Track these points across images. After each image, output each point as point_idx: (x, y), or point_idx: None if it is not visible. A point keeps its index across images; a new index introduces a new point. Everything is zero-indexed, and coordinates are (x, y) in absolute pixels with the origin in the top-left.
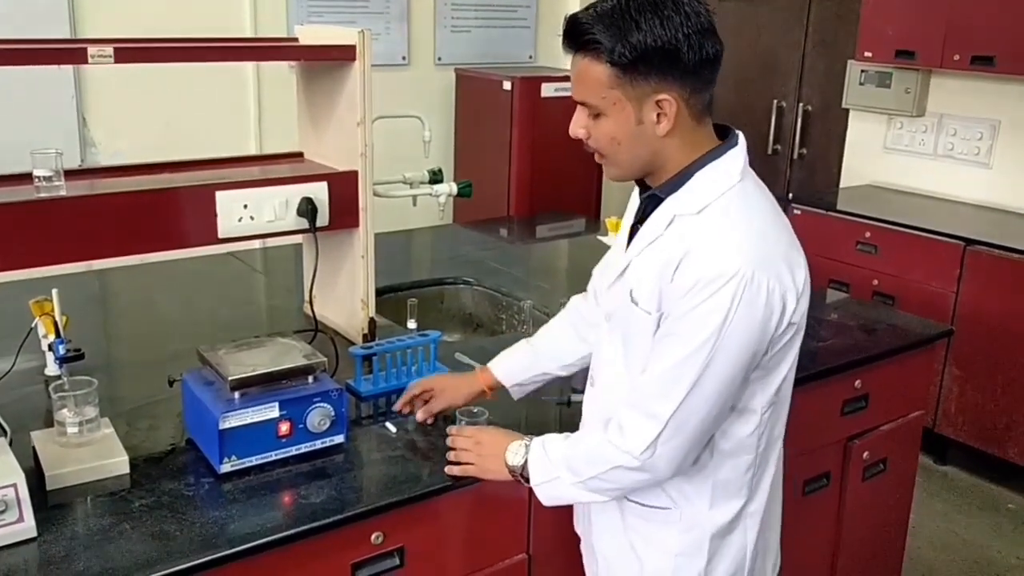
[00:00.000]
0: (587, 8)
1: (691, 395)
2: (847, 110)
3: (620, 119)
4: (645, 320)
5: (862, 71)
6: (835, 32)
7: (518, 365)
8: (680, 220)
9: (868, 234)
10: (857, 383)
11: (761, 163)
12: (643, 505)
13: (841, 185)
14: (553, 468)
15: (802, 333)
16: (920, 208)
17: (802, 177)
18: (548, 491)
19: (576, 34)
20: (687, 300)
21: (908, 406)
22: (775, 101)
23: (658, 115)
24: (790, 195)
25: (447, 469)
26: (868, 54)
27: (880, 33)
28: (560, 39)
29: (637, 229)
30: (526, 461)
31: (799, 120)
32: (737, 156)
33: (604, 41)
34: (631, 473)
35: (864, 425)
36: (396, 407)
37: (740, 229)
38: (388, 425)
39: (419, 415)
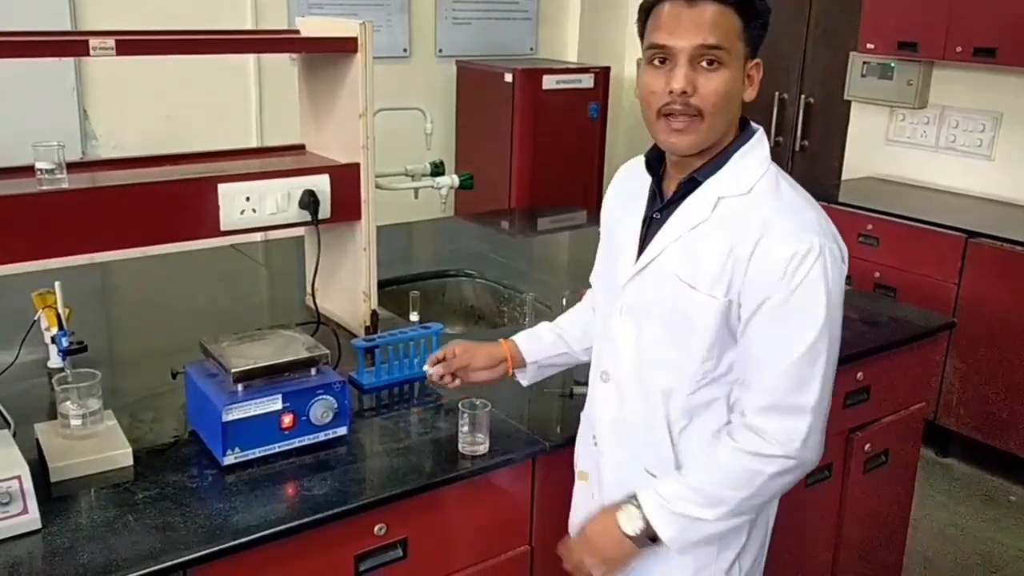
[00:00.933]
0: None
1: (826, 374)
2: (849, 102)
3: (736, 74)
4: (707, 303)
5: (864, 63)
6: (837, 24)
7: (542, 343)
8: (726, 202)
9: (870, 226)
10: (859, 375)
11: None
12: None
13: (843, 177)
14: (686, 514)
15: None
16: (922, 200)
17: (804, 169)
18: (687, 538)
19: None
20: (786, 282)
21: (910, 398)
22: (777, 93)
23: (748, 79)
24: None
25: None
26: (870, 46)
27: (882, 25)
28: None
29: (657, 219)
30: (646, 523)
31: (801, 112)
32: (762, 141)
33: None
34: (786, 476)
35: (866, 417)
36: (427, 367)
37: (801, 206)
38: (427, 369)
39: (436, 369)
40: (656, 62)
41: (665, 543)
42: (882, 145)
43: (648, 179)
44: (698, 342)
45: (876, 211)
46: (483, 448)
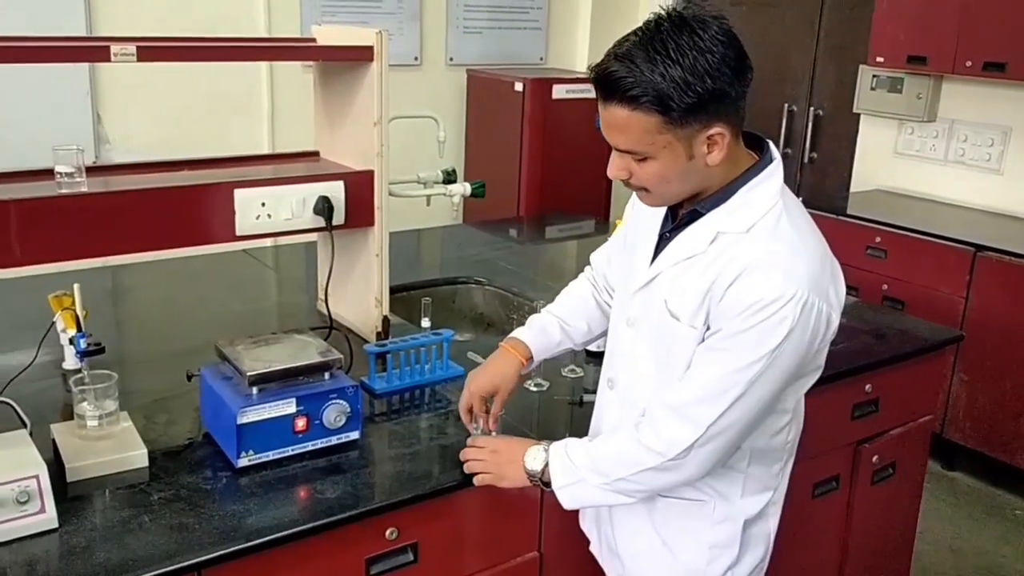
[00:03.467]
0: (615, 55)
1: (734, 407)
2: (858, 114)
3: (670, 160)
4: (688, 334)
5: (873, 76)
6: (846, 37)
7: (551, 341)
8: (724, 238)
9: (878, 239)
10: (867, 387)
11: None
12: (678, 499)
13: (851, 190)
14: (577, 471)
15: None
16: (930, 213)
17: (812, 181)
18: (571, 493)
19: (614, 88)
20: (742, 319)
21: (917, 411)
22: (786, 105)
23: (708, 147)
24: (800, 199)
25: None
26: (880, 59)
27: (892, 38)
28: (591, 78)
29: (666, 237)
30: (546, 465)
31: (810, 124)
32: (776, 173)
33: (649, 92)
34: (661, 475)
35: (874, 429)
36: (466, 422)
37: (794, 252)
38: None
39: (489, 424)
40: None
41: (554, 490)
42: (891, 158)
43: None
44: (677, 368)
45: (884, 224)
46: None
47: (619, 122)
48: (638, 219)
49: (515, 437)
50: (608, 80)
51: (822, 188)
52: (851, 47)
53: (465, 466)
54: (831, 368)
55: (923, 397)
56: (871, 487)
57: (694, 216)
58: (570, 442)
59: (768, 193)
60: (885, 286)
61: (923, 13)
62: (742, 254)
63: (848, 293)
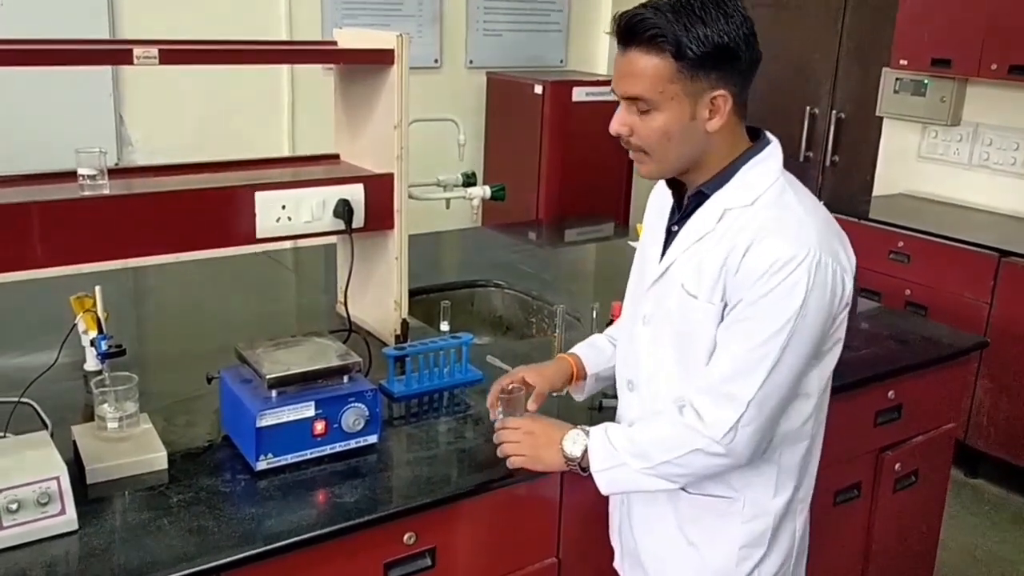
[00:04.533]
0: (643, 4)
1: (771, 376)
2: (881, 118)
3: (675, 114)
4: (706, 311)
5: (897, 79)
6: (869, 39)
7: (602, 356)
8: (731, 213)
9: (901, 243)
10: (890, 394)
11: (793, 170)
12: (705, 495)
13: (874, 193)
14: (618, 454)
15: (846, 315)
16: (954, 218)
17: (834, 185)
18: (611, 477)
19: (636, 28)
20: (762, 284)
21: (940, 418)
22: (808, 108)
23: (711, 111)
24: (822, 202)
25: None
26: (903, 62)
27: (916, 41)
28: (613, 33)
29: (674, 231)
30: (586, 449)
31: (832, 127)
32: (776, 153)
33: (668, 34)
34: (711, 458)
35: (896, 436)
36: (491, 402)
37: (800, 214)
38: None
39: (532, 406)
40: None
41: (593, 473)
42: (914, 162)
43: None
44: (701, 352)
45: (908, 228)
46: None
47: (635, 67)
48: (648, 223)
49: (551, 419)
50: (632, 22)
51: (844, 192)
52: (874, 50)
53: (499, 449)
54: (854, 374)
55: (947, 404)
56: (893, 495)
57: (699, 200)
58: (610, 426)
59: (770, 170)
60: (908, 291)
61: (948, 16)
62: (750, 223)
63: (870, 298)
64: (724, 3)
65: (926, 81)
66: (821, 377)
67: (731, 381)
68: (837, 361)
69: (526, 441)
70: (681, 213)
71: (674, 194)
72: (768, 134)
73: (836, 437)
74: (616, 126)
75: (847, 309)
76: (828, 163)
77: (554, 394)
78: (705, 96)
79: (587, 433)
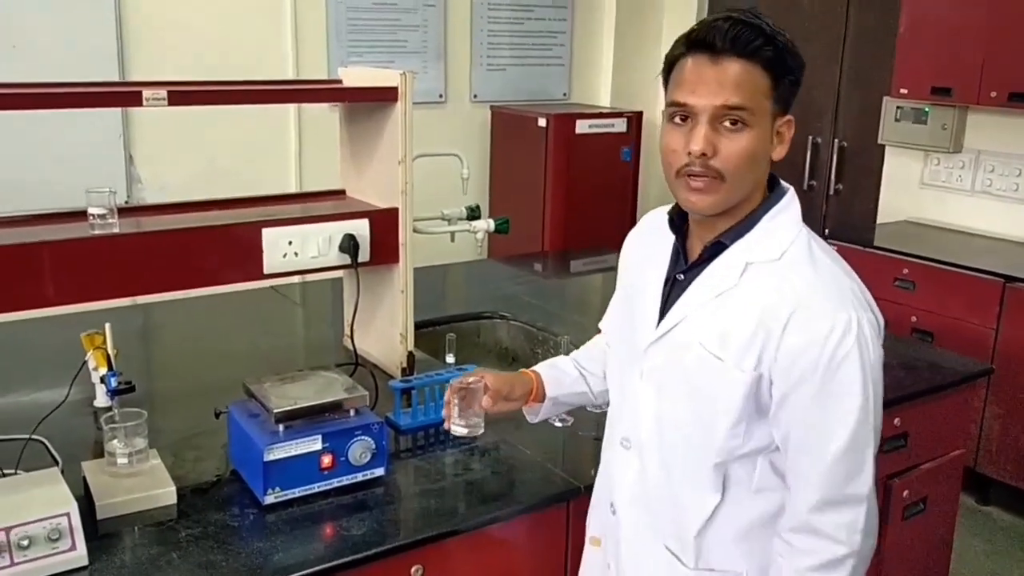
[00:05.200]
0: (731, 16)
1: (874, 456)
2: (883, 146)
3: (763, 134)
4: (735, 378)
5: (898, 107)
6: (869, 68)
7: (566, 379)
8: (755, 268)
9: (906, 270)
10: (896, 421)
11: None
12: (714, 571)
13: (878, 221)
14: None
15: None
16: (958, 244)
17: (838, 213)
18: None
19: (744, 38)
20: (824, 363)
21: (948, 445)
22: (810, 137)
23: (778, 137)
24: (826, 230)
25: None
26: (903, 91)
27: (915, 70)
28: (694, 42)
29: (679, 281)
30: None
31: (834, 156)
32: (795, 202)
33: (774, 49)
34: (863, 565)
35: (903, 464)
36: (448, 398)
37: (834, 270)
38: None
39: (486, 402)
40: (677, 119)
41: None
42: (917, 189)
43: (672, 236)
44: (723, 417)
45: (912, 255)
46: (480, 429)
47: (732, 77)
48: (638, 267)
49: None
50: (738, 30)
51: (848, 220)
52: (874, 78)
53: None
54: None
55: (954, 431)
56: (902, 522)
57: (717, 250)
58: None
59: (791, 219)
60: (914, 318)
61: (946, 44)
62: (783, 282)
63: None
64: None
65: (927, 109)
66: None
67: (846, 483)
68: None
69: None
70: (692, 263)
71: (678, 239)
72: (782, 181)
73: None
74: (702, 143)
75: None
76: (831, 191)
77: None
78: (780, 120)
79: None
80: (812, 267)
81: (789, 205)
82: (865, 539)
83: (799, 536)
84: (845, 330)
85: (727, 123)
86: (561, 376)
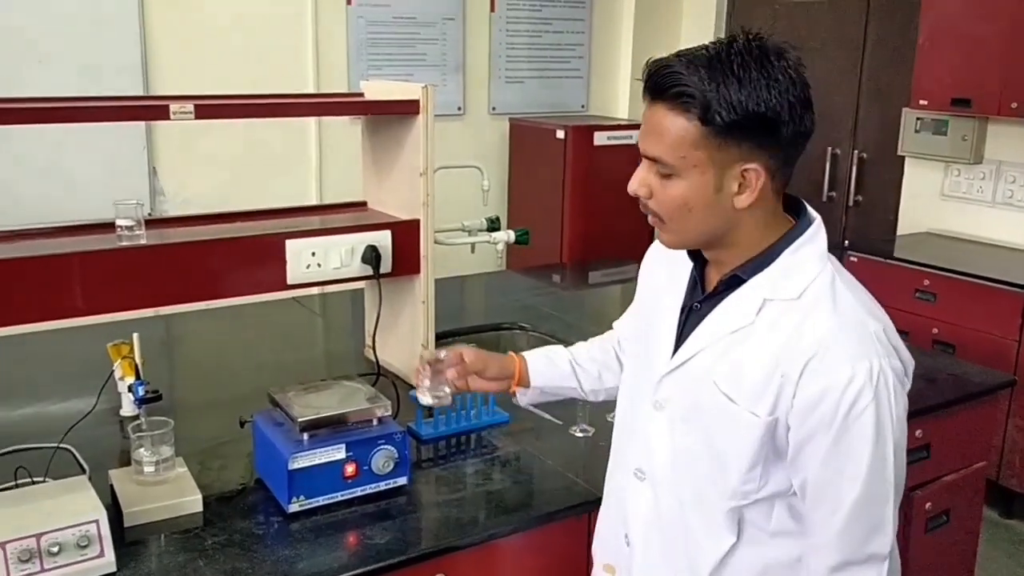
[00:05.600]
0: (679, 54)
1: (895, 509)
2: (902, 157)
3: (697, 183)
4: (750, 422)
5: (917, 119)
6: (889, 79)
7: (556, 371)
8: (773, 306)
9: (927, 282)
10: (918, 433)
11: (816, 210)
12: None
13: (898, 233)
14: None
15: None
16: (979, 256)
17: (858, 224)
18: None
19: (664, 82)
20: (841, 414)
21: (971, 457)
22: (829, 148)
23: (740, 185)
24: (846, 242)
25: None
26: (923, 102)
27: (935, 81)
28: (641, 83)
29: (696, 310)
30: None
31: (854, 167)
32: (821, 234)
33: (698, 95)
34: None
35: (926, 476)
36: (419, 367)
37: (858, 311)
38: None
39: (450, 372)
40: None
41: None
42: (937, 200)
43: (690, 263)
44: (737, 460)
45: (933, 267)
46: (447, 401)
47: (658, 124)
48: (654, 288)
49: None
50: (660, 74)
51: (868, 231)
52: (894, 90)
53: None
54: None
55: (976, 443)
56: (925, 535)
57: (734, 283)
58: None
59: (815, 255)
60: (935, 330)
61: (966, 56)
62: (803, 324)
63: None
64: (769, 63)
65: (946, 120)
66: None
67: (866, 542)
68: None
69: None
70: (708, 293)
71: (697, 266)
72: (810, 210)
73: None
74: (635, 185)
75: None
76: (851, 203)
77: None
78: (735, 168)
79: None
80: (834, 308)
81: (814, 237)
82: None
83: None
84: (866, 380)
85: (657, 170)
86: (551, 367)
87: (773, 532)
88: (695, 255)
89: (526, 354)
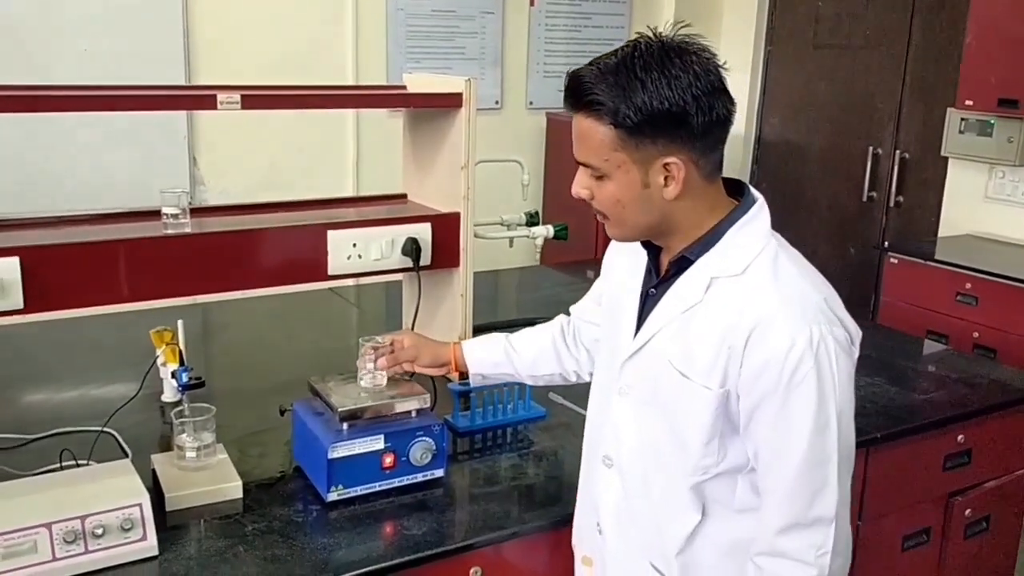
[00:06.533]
0: (590, 64)
1: (840, 472)
2: (946, 158)
3: (625, 182)
4: (704, 396)
5: (962, 119)
6: (933, 79)
7: (491, 359)
8: (720, 283)
9: (968, 285)
10: (959, 438)
11: (856, 210)
12: None
13: (939, 234)
14: None
15: None
16: (1023, 259)
17: (898, 226)
18: None
19: (578, 93)
20: (784, 381)
21: (1013, 463)
22: (871, 148)
23: (666, 178)
24: (886, 243)
25: None
26: (968, 102)
27: (982, 81)
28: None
29: (652, 295)
30: None
31: (895, 167)
32: (763, 213)
33: (607, 102)
34: None
35: (966, 481)
36: (363, 351)
37: (801, 284)
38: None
39: (382, 362)
40: None
41: None
42: (981, 202)
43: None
44: (695, 434)
45: (975, 270)
46: (382, 383)
47: (581, 132)
48: (616, 279)
49: None
50: (573, 85)
51: (909, 233)
52: (938, 89)
53: None
54: (921, 417)
55: (1018, 449)
56: (964, 541)
57: (683, 265)
58: None
59: (758, 232)
60: (976, 334)
61: (1014, 56)
62: (746, 298)
63: (937, 340)
64: (670, 63)
65: (992, 121)
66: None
67: (809, 505)
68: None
69: None
70: (662, 277)
71: (651, 254)
72: (752, 190)
73: (904, 481)
74: (576, 188)
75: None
76: (892, 204)
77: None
78: (656, 163)
79: None
80: (775, 281)
81: (756, 216)
82: (835, 559)
83: (768, 559)
84: (806, 347)
85: (590, 173)
86: (486, 354)
87: (738, 509)
88: (648, 243)
89: (464, 342)
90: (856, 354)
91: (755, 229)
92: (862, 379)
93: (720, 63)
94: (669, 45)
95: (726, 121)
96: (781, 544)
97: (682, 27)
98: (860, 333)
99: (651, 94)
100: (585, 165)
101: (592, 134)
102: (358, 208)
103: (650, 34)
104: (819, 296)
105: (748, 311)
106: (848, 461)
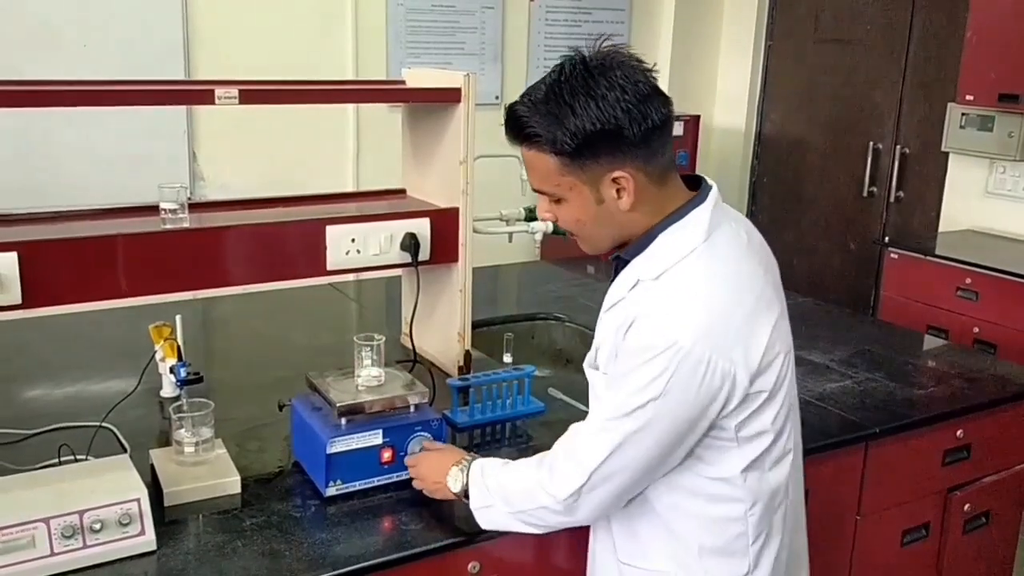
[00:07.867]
0: (523, 96)
1: (617, 453)
2: (946, 153)
3: (580, 202)
4: (602, 380)
5: (963, 114)
6: (933, 74)
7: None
8: (641, 284)
9: (969, 280)
10: (958, 432)
11: (856, 205)
12: (640, 568)
13: (940, 230)
14: (489, 495)
15: (783, 397)
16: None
17: (899, 221)
18: (485, 516)
19: (516, 128)
20: (626, 362)
21: (1012, 458)
22: (871, 143)
23: (618, 191)
24: (886, 238)
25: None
26: (969, 97)
27: (982, 76)
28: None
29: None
30: (465, 488)
31: (896, 162)
32: (702, 214)
33: (543, 132)
34: (554, 515)
35: (965, 476)
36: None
37: (691, 300)
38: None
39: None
40: None
41: (472, 510)
42: (981, 197)
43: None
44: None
45: (975, 265)
46: (381, 380)
47: (528, 162)
48: None
49: (444, 448)
50: (510, 120)
51: (909, 228)
52: (938, 84)
53: (413, 482)
54: (920, 412)
55: (1017, 444)
56: (963, 536)
57: (621, 265)
58: (488, 463)
59: (689, 238)
60: (976, 329)
61: (1015, 50)
62: (644, 299)
63: (936, 335)
64: (595, 83)
65: (993, 116)
66: (744, 460)
67: (584, 448)
68: (798, 424)
69: (426, 478)
70: (610, 281)
71: (620, 262)
72: (710, 187)
73: (902, 476)
74: (541, 212)
75: (764, 397)
76: (892, 199)
77: None
78: (605, 179)
79: (469, 467)
80: (674, 287)
81: (693, 219)
82: (571, 503)
83: (546, 459)
84: (661, 350)
85: (548, 198)
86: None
87: (710, 494)
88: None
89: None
90: (741, 378)
91: (688, 233)
92: (862, 374)
93: (648, 67)
94: (593, 64)
95: (664, 124)
96: (552, 457)
97: (604, 40)
98: (763, 355)
99: (581, 117)
100: (541, 192)
101: (538, 164)
102: (357, 203)
103: (574, 55)
104: (708, 314)
105: (640, 306)
106: (643, 456)
